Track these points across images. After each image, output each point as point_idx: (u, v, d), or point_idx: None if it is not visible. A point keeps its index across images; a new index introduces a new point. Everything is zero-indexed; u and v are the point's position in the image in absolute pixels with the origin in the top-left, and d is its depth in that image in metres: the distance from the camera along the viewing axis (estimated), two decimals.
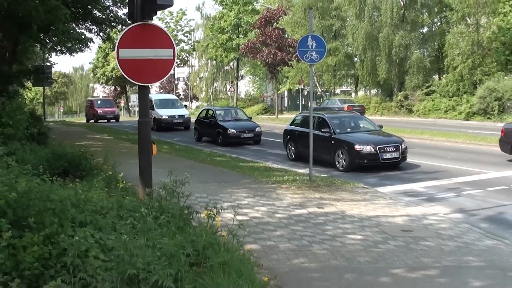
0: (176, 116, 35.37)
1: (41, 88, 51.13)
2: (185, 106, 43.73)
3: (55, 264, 4.79)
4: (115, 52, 8.56)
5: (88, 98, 69.05)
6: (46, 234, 5.02)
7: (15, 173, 6.34)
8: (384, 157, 17.12)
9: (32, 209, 5.38)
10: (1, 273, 4.43)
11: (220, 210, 7.15)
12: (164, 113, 35.33)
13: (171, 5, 8.82)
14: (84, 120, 56.99)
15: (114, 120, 50.15)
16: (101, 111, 50.56)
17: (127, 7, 26.17)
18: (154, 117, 34.18)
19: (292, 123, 21.45)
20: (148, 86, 8.97)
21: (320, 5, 54.38)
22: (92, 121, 50.57)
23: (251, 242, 8.12)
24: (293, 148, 20.21)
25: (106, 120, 49.88)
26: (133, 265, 4.91)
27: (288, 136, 20.68)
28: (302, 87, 56.42)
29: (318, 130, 18.09)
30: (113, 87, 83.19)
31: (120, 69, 8.50)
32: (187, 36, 76.02)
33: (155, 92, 73.68)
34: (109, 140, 27.24)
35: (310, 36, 14.69)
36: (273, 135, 26.02)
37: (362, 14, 48.69)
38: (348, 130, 18.80)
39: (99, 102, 54.16)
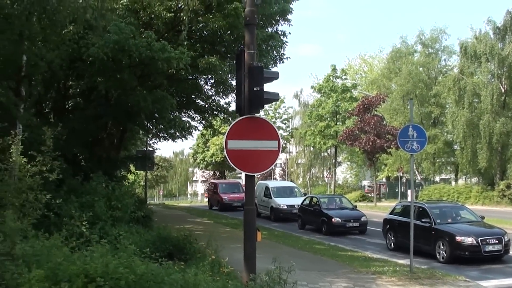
0: (295, 206, 30.68)
1: (142, 171, 46.33)
2: (305, 194, 37.89)
3: None
4: (223, 142, 9.08)
5: (211, 180, 60.59)
6: None
7: (131, 255, 6.82)
8: (487, 250, 16.49)
9: None
10: None
11: None
12: (282, 202, 32.68)
13: (277, 99, 9.37)
14: (184, 204, 55.74)
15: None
16: (226, 198, 42.15)
17: (229, 97, 27.51)
18: (272, 206, 32.89)
19: (391, 212, 21.23)
20: (254, 175, 9.40)
21: (419, 92, 54.38)
22: (215, 208, 43.52)
23: None
24: (392, 238, 19.92)
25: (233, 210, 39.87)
26: None
27: (388, 226, 20.46)
28: (401, 174, 55.57)
29: (418, 219, 17.71)
30: (212, 172, 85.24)
31: (228, 159, 9.01)
32: (285, 123, 77.17)
33: None
34: (209, 224, 27.82)
35: (411, 126, 14.83)
36: (371, 224, 25.66)
37: (462, 101, 47.81)
38: (449, 220, 18.37)
39: (224, 185, 45.42)
